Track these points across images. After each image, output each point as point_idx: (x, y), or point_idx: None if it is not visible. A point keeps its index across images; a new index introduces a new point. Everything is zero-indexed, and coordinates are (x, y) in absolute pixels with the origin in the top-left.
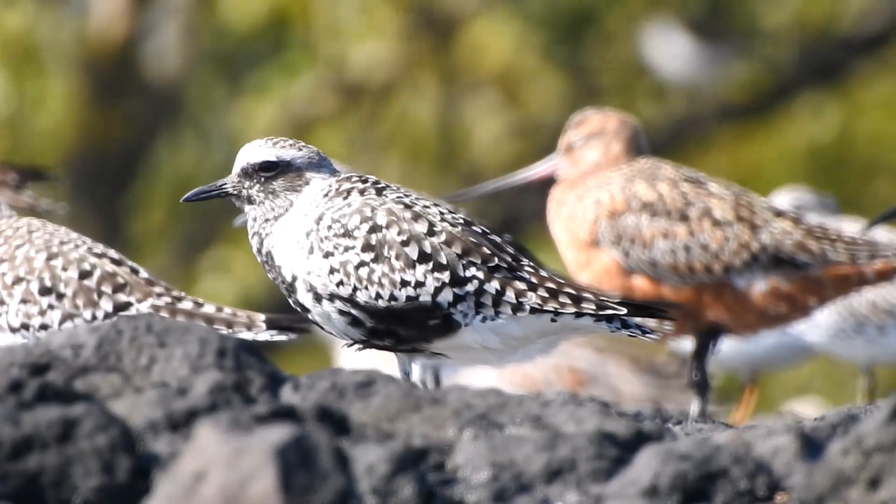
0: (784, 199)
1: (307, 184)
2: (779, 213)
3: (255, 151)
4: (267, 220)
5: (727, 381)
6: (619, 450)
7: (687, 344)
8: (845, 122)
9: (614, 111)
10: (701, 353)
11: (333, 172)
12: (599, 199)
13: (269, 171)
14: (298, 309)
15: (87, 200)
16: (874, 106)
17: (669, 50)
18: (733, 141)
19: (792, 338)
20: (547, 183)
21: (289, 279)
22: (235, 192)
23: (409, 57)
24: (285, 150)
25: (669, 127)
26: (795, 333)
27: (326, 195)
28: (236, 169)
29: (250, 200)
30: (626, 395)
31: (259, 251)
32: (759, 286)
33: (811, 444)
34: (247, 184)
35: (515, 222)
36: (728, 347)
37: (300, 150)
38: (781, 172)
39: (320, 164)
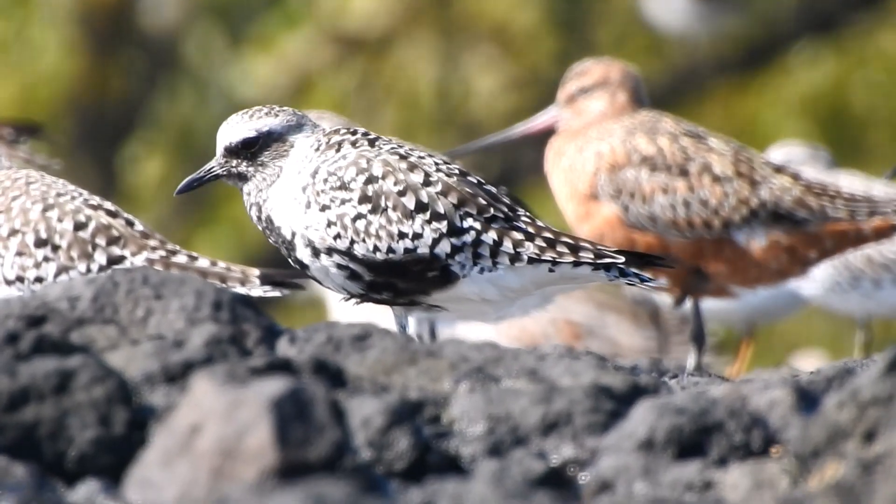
0: (778, 154)
1: (292, 147)
2: (778, 169)
3: (233, 130)
4: (261, 190)
5: (725, 334)
6: (615, 403)
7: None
8: (842, 75)
9: (615, 61)
10: (697, 307)
11: (315, 127)
12: (600, 151)
13: (252, 145)
14: (297, 266)
15: (84, 153)
16: (871, 58)
17: (666, 4)
18: (730, 95)
19: (787, 291)
20: (546, 136)
21: (288, 237)
22: (225, 173)
23: (406, 10)
24: (262, 121)
25: (667, 81)
26: (791, 286)
27: (317, 150)
28: (219, 149)
29: (241, 177)
30: (625, 349)
31: (259, 219)
32: (759, 241)
33: (807, 398)
34: (234, 162)
35: (513, 176)
36: (724, 301)
37: (277, 115)
38: (779, 125)
39: (300, 125)
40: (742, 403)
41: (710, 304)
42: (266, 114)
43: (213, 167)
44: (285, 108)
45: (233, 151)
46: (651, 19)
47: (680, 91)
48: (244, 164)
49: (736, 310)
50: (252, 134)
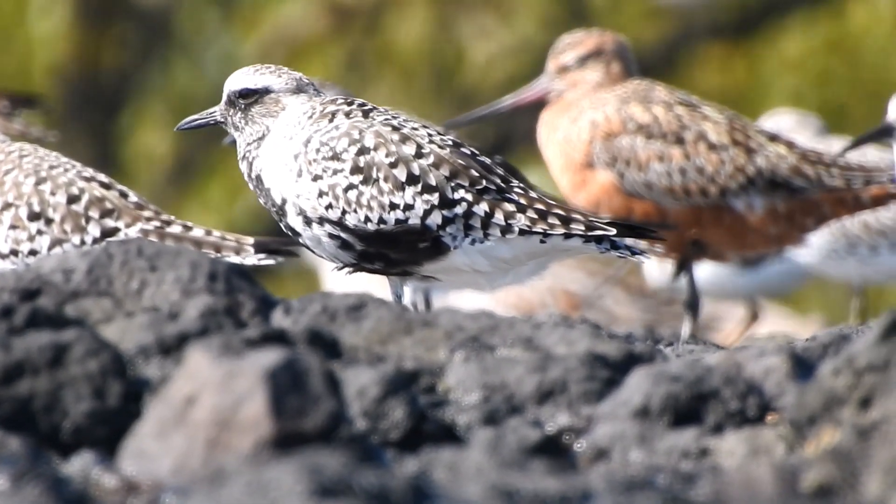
0: (768, 122)
1: (283, 109)
2: (772, 138)
3: (236, 79)
4: (249, 145)
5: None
6: (610, 371)
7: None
8: (836, 37)
9: (604, 31)
10: (690, 273)
11: (316, 96)
12: (595, 119)
13: (248, 97)
14: (289, 233)
15: (79, 124)
16: (865, 21)
17: None
18: (725, 60)
19: (788, 264)
20: (537, 105)
21: (278, 202)
22: (223, 120)
23: None
24: (263, 77)
25: (660, 47)
26: (789, 257)
27: (311, 117)
28: (224, 97)
29: (235, 127)
30: (620, 319)
31: (249, 176)
32: (757, 208)
33: (803, 365)
34: (231, 111)
35: (507, 144)
36: (725, 277)
37: (280, 76)
38: (773, 90)
39: (299, 89)
40: (738, 371)
41: (711, 280)
42: (271, 72)
43: (214, 112)
44: (294, 72)
45: (232, 101)
46: None
47: (674, 56)
48: (238, 115)
49: (737, 286)
50: (250, 86)
